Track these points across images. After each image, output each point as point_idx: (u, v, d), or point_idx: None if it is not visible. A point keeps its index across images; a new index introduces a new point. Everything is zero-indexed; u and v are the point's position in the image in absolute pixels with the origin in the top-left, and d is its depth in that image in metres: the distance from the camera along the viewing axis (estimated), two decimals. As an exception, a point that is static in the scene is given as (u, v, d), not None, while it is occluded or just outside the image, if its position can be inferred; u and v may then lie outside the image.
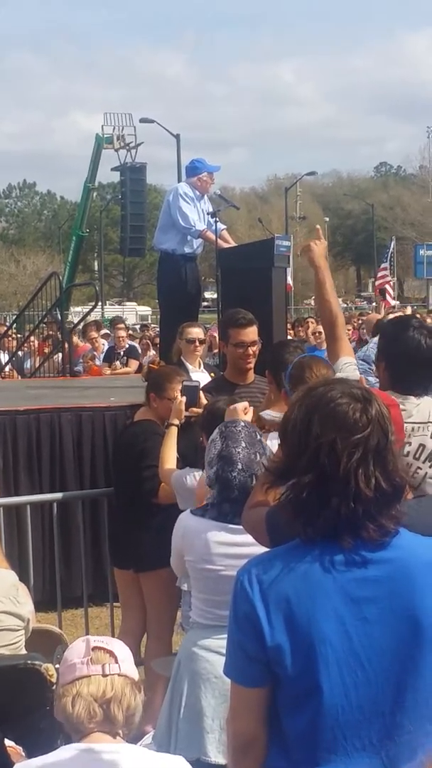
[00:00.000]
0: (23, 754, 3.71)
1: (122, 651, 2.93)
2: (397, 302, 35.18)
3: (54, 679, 4.19)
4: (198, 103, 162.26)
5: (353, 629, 2.33)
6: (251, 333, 6.61)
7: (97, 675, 2.84)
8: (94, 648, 2.88)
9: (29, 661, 4.32)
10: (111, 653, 2.88)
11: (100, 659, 2.86)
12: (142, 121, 38.99)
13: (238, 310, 6.86)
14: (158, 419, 6.18)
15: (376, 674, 2.33)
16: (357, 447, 2.32)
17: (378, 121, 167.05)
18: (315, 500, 2.35)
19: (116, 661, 2.87)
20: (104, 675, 2.84)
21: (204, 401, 5.73)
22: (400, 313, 14.91)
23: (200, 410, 5.59)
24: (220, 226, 9.50)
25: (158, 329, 14.48)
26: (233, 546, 4.02)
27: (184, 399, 5.74)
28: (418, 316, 13.25)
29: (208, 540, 4.13)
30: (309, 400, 2.42)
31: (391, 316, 10.50)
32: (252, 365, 6.63)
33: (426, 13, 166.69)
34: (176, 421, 5.71)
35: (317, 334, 12.49)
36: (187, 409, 5.73)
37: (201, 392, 5.92)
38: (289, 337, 11.17)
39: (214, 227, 9.32)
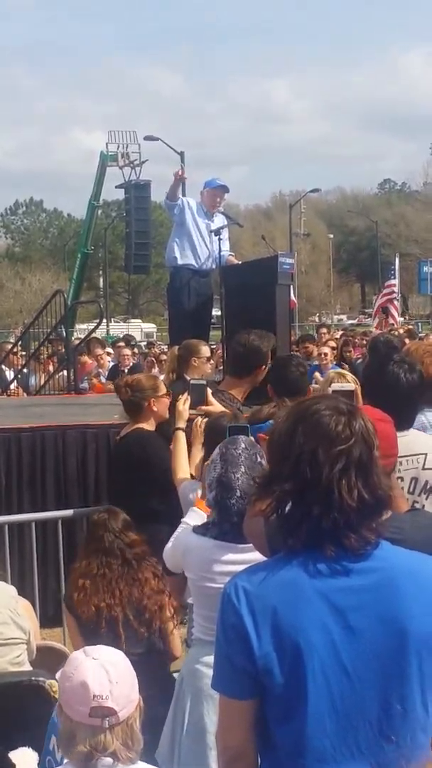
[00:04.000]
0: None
1: (122, 689, 2.83)
2: (401, 319, 35.14)
3: (58, 696, 4.21)
4: (194, 121, 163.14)
5: (338, 638, 2.36)
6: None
7: (97, 726, 2.79)
8: (93, 707, 2.78)
9: (33, 678, 4.34)
10: (110, 709, 2.79)
11: (99, 713, 2.79)
12: (147, 138, 39.16)
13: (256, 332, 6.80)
14: (158, 421, 6.21)
15: (361, 682, 2.36)
16: (339, 457, 2.37)
17: (374, 138, 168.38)
18: (296, 510, 2.40)
19: (117, 713, 2.80)
20: (103, 728, 2.79)
21: (212, 399, 5.71)
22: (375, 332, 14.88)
23: (209, 408, 5.56)
24: (227, 253, 9.56)
25: (164, 347, 14.50)
26: (235, 564, 4.01)
27: (187, 400, 5.64)
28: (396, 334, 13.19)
29: (210, 559, 4.13)
30: (295, 411, 2.50)
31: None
32: None
33: (420, 31, 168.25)
34: (182, 425, 5.59)
35: (323, 356, 12.56)
36: (194, 408, 5.67)
37: (209, 390, 5.84)
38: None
39: (218, 246, 9.37)
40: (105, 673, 2.82)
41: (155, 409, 6.32)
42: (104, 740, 2.77)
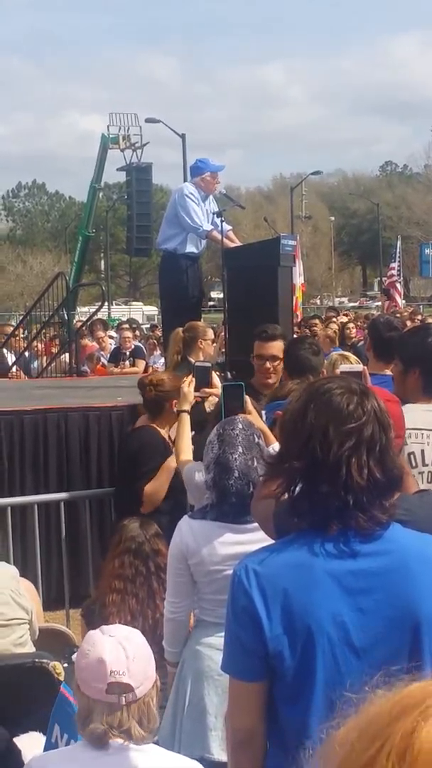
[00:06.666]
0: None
1: (139, 667, 2.83)
2: (403, 301, 35.11)
3: (62, 678, 4.22)
4: (188, 106, 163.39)
5: (349, 621, 2.36)
6: (271, 348, 6.56)
7: (114, 703, 2.78)
8: (110, 683, 2.78)
9: (37, 660, 4.34)
10: (127, 686, 2.78)
11: (115, 691, 2.79)
12: (148, 121, 38.94)
13: (267, 325, 6.87)
14: (162, 425, 6.22)
15: (371, 664, 2.35)
16: (350, 436, 2.37)
17: (367, 122, 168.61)
18: (305, 488, 2.39)
19: (133, 689, 2.79)
20: (121, 704, 2.78)
21: (217, 382, 5.70)
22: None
23: (213, 390, 5.55)
24: (226, 226, 9.50)
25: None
26: (238, 545, 4.01)
27: (192, 382, 5.63)
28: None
29: (212, 541, 4.11)
30: (308, 391, 2.50)
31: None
32: (272, 380, 6.55)
33: (411, 16, 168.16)
34: (186, 407, 5.58)
35: (326, 339, 12.56)
36: (198, 390, 5.66)
37: (213, 373, 5.85)
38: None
39: (220, 227, 9.33)
40: (122, 650, 2.83)
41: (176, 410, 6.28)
42: (120, 717, 2.77)
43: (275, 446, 4.00)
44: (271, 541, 2.81)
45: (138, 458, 6.19)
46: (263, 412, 5.09)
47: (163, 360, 12.02)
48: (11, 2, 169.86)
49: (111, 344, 17.48)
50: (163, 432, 6.36)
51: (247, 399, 4.73)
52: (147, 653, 2.90)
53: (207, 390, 5.66)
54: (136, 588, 4.84)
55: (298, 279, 16.63)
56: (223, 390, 4.74)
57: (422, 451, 4.18)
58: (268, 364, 6.55)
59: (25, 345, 16.85)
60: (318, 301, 72.95)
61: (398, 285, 28.08)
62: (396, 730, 0.91)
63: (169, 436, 6.27)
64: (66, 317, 16.25)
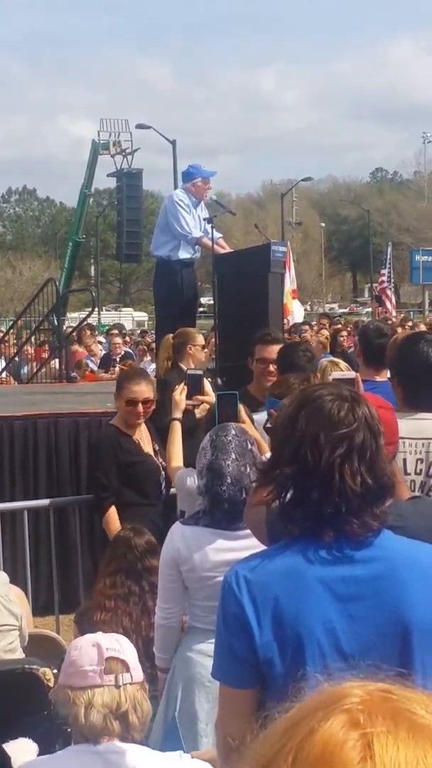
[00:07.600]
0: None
1: (131, 654, 2.89)
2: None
3: (51, 684, 4.20)
4: (183, 111, 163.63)
5: (340, 628, 2.35)
6: (274, 351, 6.50)
7: (110, 685, 2.79)
8: (108, 658, 2.81)
9: (27, 666, 4.32)
10: (123, 663, 2.82)
11: (113, 669, 2.80)
12: (138, 127, 38.99)
13: (268, 328, 6.90)
14: (121, 422, 6.26)
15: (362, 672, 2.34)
16: (341, 442, 2.36)
17: (363, 127, 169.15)
18: (297, 495, 2.39)
19: (128, 670, 2.82)
20: (117, 686, 2.79)
21: (208, 390, 5.69)
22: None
23: (205, 398, 5.54)
24: (216, 234, 9.50)
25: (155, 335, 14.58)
26: (230, 551, 4.00)
27: (184, 390, 5.62)
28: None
29: (204, 548, 4.11)
30: (299, 397, 2.50)
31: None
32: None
33: (407, 21, 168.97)
34: (178, 415, 5.56)
35: (319, 345, 12.61)
36: (190, 398, 5.65)
37: (205, 380, 5.86)
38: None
39: (210, 234, 9.33)
40: (113, 638, 2.94)
41: (116, 404, 6.33)
42: (119, 699, 2.79)
43: (269, 455, 4.00)
44: (262, 548, 2.81)
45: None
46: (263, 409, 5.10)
47: (153, 366, 12.01)
48: (11, 2, 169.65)
49: (100, 350, 17.48)
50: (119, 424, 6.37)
51: (241, 408, 4.73)
52: (134, 650, 2.95)
53: (199, 397, 5.66)
54: (130, 607, 4.82)
55: (289, 285, 16.67)
56: (218, 399, 4.74)
57: (404, 461, 4.18)
58: (271, 367, 6.48)
59: (15, 350, 16.84)
60: (308, 308, 72.97)
61: (389, 291, 28.17)
62: (300, 730, 0.93)
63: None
64: (56, 323, 16.24)
